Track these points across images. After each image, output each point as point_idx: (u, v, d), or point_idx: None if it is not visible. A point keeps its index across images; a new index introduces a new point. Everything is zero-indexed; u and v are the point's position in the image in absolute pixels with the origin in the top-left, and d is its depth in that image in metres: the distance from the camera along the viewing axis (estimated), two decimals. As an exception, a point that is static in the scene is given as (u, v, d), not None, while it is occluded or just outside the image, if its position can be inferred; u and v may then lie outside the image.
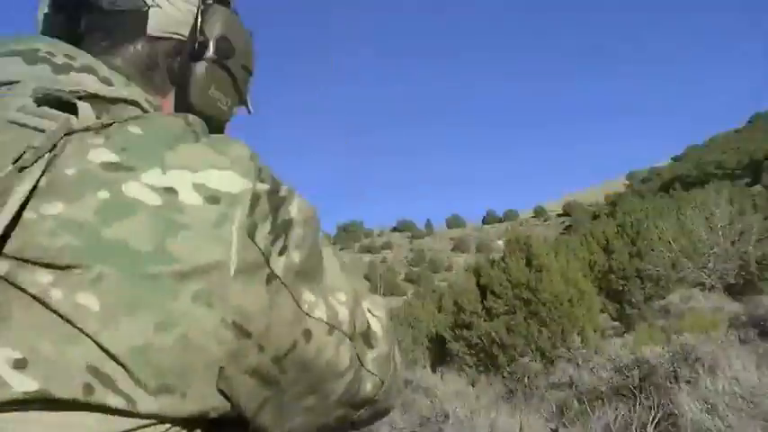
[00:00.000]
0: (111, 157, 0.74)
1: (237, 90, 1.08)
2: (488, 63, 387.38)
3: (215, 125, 1.04)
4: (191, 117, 0.84)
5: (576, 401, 10.07)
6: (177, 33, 1.01)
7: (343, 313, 0.87)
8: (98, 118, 0.79)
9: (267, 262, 0.76)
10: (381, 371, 0.95)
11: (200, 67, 1.02)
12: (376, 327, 0.95)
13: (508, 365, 16.61)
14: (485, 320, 18.41)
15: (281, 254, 0.78)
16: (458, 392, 11.05)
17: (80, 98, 0.82)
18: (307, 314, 0.81)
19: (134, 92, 0.92)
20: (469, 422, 9.07)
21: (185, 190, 0.74)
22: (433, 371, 18.98)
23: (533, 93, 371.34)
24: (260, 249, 0.76)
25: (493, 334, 17.74)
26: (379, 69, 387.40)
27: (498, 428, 9.06)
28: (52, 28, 1.02)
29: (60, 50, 0.89)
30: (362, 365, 0.91)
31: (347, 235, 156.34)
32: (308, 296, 0.82)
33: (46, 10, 1.05)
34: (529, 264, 18.48)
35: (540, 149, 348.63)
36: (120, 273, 0.69)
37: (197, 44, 1.01)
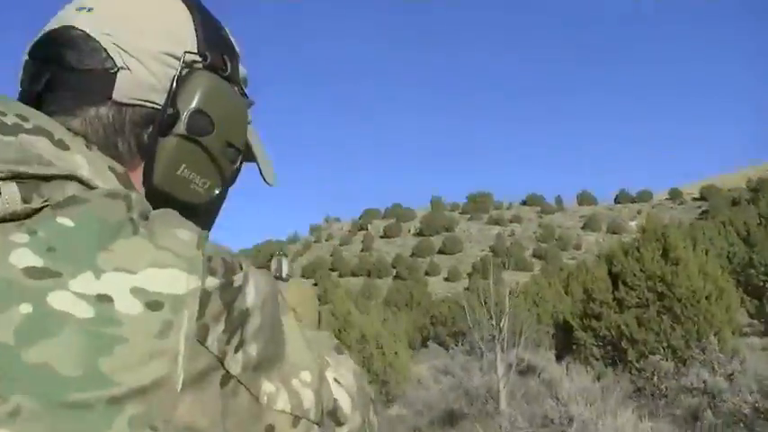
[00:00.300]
0: (36, 260, 0.66)
1: (219, 170, 0.96)
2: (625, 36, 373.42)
3: (190, 209, 0.93)
4: (134, 196, 0.76)
5: (710, 412, 9.67)
6: (149, 101, 0.90)
7: (309, 398, 0.81)
8: (26, 201, 0.71)
9: (222, 364, 0.71)
10: None
11: (167, 143, 0.91)
12: (344, 400, 0.90)
13: (637, 361, 16.12)
14: (615, 312, 17.93)
15: (237, 350, 0.73)
16: (583, 389, 10.80)
17: (3, 178, 0.72)
18: (268, 407, 0.76)
19: (91, 158, 0.83)
20: (594, 426, 8.88)
21: (122, 297, 0.66)
22: (558, 359, 18.73)
23: (675, 67, 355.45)
24: (213, 354, 0.70)
25: (623, 327, 17.26)
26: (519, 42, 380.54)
27: (625, 435, 8.85)
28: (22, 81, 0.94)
29: (12, 109, 0.81)
30: None
31: (476, 206, 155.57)
32: (268, 387, 0.77)
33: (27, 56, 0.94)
34: (665, 255, 17.78)
35: (678, 127, 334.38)
36: (41, 404, 0.61)
37: (166, 116, 0.90)
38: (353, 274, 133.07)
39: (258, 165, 1.08)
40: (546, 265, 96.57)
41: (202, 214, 0.99)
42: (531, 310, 27.82)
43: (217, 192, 0.98)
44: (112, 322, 0.65)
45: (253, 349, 0.75)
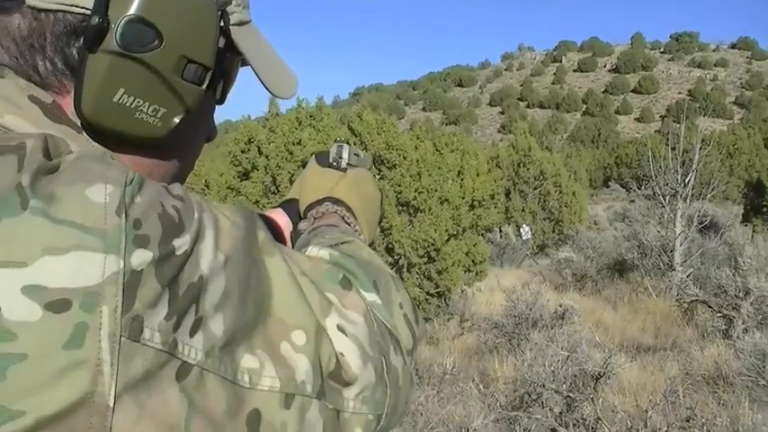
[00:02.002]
0: None
1: (175, 93, 0.74)
2: None
3: (154, 148, 0.78)
4: (29, 145, 0.58)
5: None
6: (75, 5, 0.69)
7: (303, 366, 0.66)
8: None
9: (173, 355, 0.56)
10: (374, 403, 0.74)
11: (96, 62, 0.69)
12: (351, 353, 0.71)
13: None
14: (818, 177, 16.65)
15: (193, 332, 0.58)
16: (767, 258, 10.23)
17: None
18: (251, 389, 0.62)
19: (2, 87, 0.67)
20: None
21: (12, 301, 0.50)
22: (745, 220, 17.82)
23: None
24: (156, 348, 0.55)
25: (824, 194, 16.01)
26: None
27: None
28: None
29: None
30: (342, 415, 0.71)
31: (679, 45, 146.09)
32: (248, 362, 0.62)
33: None
34: None
35: None
36: None
37: (92, 27, 0.68)
38: (542, 106, 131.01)
39: (258, 75, 0.85)
40: (748, 114, 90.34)
41: (172, 152, 0.82)
42: (723, 162, 26.31)
43: (177, 120, 0.75)
44: (1, 337, 0.50)
45: (218, 323, 0.60)
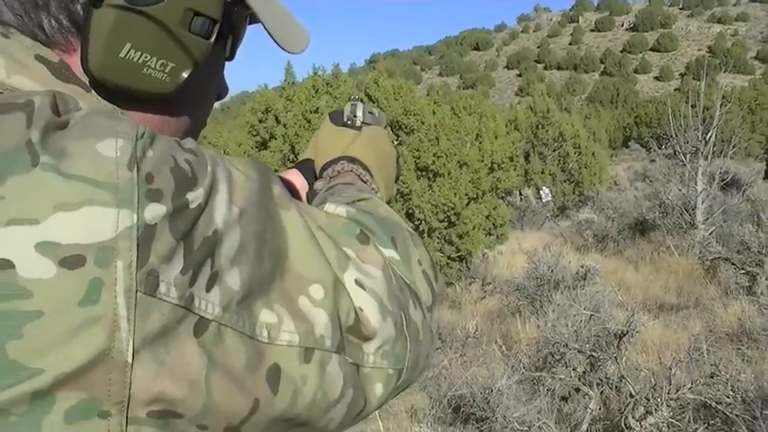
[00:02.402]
0: None
1: (183, 47, 0.73)
2: None
3: (161, 104, 0.76)
4: (37, 102, 0.57)
5: None
6: None
7: (322, 321, 0.66)
8: None
9: (190, 310, 0.56)
10: (394, 357, 0.73)
11: (101, 17, 0.68)
12: (370, 308, 0.71)
13: None
14: (842, 131, 16.42)
15: (210, 287, 0.57)
16: (791, 212, 10.16)
17: None
18: (270, 344, 0.61)
19: (7, 47, 0.66)
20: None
21: (25, 258, 0.50)
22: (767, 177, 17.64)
23: None
24: (172, 303, 0.54)
25: None
26: None
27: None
28: None
29: None
30: (362, 370, 0.71)
31: (698, 1, 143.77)
32: (266, 316, 0.61)
33: None
34: None
35: None
36: None
37: None
38: (559, 68, 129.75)
39: (267, 29, 0.83)
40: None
41: (182, 108, 0.80)
42: (745, 118, 26.01)
43: (185, 74, 0.74)
44: (17, 294, 0.49)
45: (234, 278, 0.59)
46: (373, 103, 11.07)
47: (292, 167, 1.21)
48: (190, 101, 0.81)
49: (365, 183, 1.07)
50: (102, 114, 0.59)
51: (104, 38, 0.68)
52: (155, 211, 0.54)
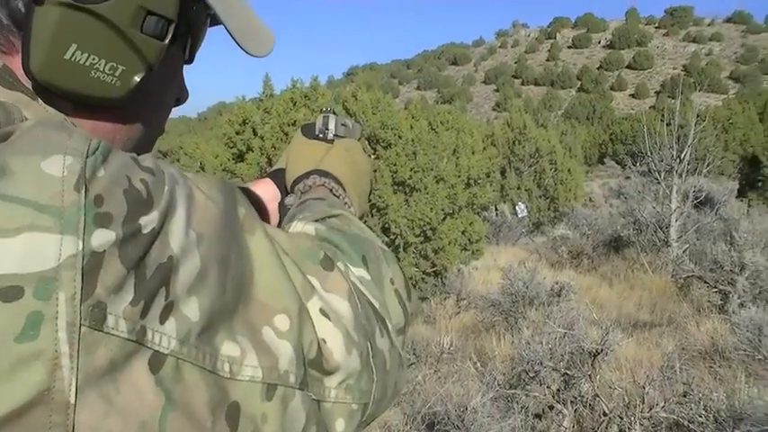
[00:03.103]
0: None
1: (135, 49, 0.67)
2: None
3: (112, 111, 0.71)
4: None
5: None
6: None
7: (286, 354, 0.61)
8: None
9: (142, 344, 0.51)
10: (359, 392, 0.69)
11: (45, 15, 0.63)
12: (334, 340, 0.66)
13: (829, 207, 15.05)
14: (813, 151, 16.68)
15: (164, 318, 0.53)
16: (763, 232, 10.25)
17: None
18: (231, 379, 0.57)
19: None
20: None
21: None
22: (740, 194, 17.83)
23: None
24: (121, 337, 0.50)
25: (819, 168, 16.05)
26: None
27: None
28: None
29: None
30: (324, 405, 0.67)
31: (674, 20, 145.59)
32: (228, 349, 0.57)
33: None
34: None
35: None
36: None
37: None
38: (536, 83, 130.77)
39: (229, 30, 0.77)
40: (743, 89, 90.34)
41: (136, 114, 0.75)
42: (718, 137, 26.29)
43: (137, 78, 0.69)
44: None
45: (192, 307, 0.54)
46: (351, 116, 11.06)
47: (264, 176, 1.18)
48: (144, 106, 0.76)
49: (338, 197, 1.03)
50: (50, 126, 0.54)
51: (48, 38, 0.63)
52: (103, 238, 0.49)
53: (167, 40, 0.70)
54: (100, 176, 0.51)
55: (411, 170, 10.79)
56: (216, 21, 0.80)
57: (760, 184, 17.88)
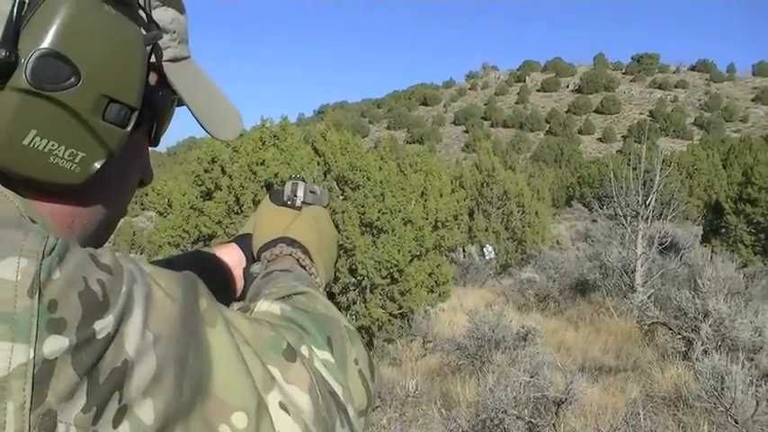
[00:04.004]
0: None
1: (95, 135, 0.66)
2: None
3: (72, 197, 0.70)
4: None
5: None
6: None
7: None
8: None
9: None
10: None
11: (3, 100, 0.62)
12: None
13: (789, 255, 15.33)
14: (774, 199, 17.03)
15: (118, 422, 0.51)
16: (726, 279, 10.39)
17: None
18: None
19: None
20: (731, 323, 8.57)
21: None
22: (704, 240, 18.06)
23: None
24: None
25: (781, 216, 16.37)
26: None
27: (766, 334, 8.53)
28: None
29: None
30: None
31: (640, 67, 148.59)
32: None
33: None
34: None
35: None
36: None
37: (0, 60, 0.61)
38: (505, 125, 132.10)
39: (194, 115, 0.78)
40: (707, 135, 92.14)
41: (96, 198, 0.73)
42: (683, 182, 26.73)
43: (98, 165, 0.68)
44: None
45: (147, 410, 0.53)
46: (320, 156, 11.07)
47: (231, 241, 1.18)
48: (105, 190, 0.74)
49: (304, 267, 1.02)
50: (5, 225, 0.54)
51: (6, 123, 0.62)
52: (56, 345, 0.48)
53: (129, 128, 0.70)
54: (55, 279, 0.50)
55: (379, 212, 10.79)
56: (183, 103, 0.79)
57: (723, 230, 18.14)
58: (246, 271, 1.12)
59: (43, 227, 0.61)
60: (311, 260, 1.04)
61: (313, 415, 0.67)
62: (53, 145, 0.64)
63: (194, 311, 0.62)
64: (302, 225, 1.09)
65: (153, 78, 0.74)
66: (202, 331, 0.61)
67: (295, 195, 1.15)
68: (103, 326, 0.52)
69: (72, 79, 0.63)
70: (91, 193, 0.72)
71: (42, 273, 0.50)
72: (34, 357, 0.47)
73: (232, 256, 1.13)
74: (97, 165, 0.68)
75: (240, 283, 1.13)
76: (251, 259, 1.12)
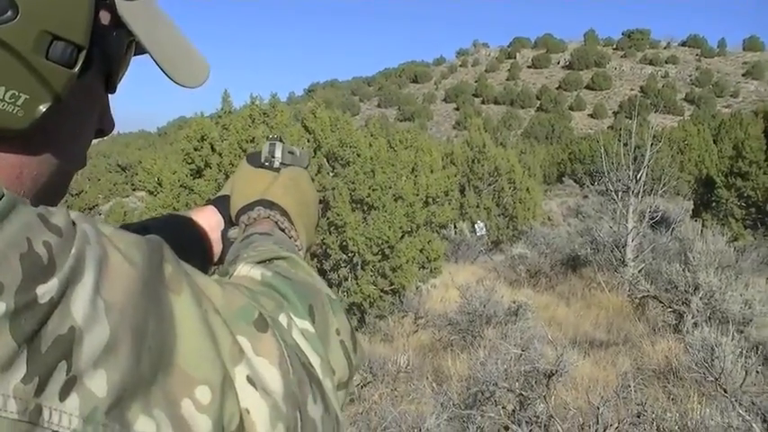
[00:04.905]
0: None
1: (39, 76, 0.61)
2: None
3: (13, 145, 0.64)
4: None
5: None
6: None
7: (205, 429, 0.56)
8: None
9: (36, 424, 0.47)
10: None
11: None
12: (259, 411, 0.61)
13: (780, 227, 15.41)
14: (765, 173, 17.05)
15: (66, 394, 0.48)
16: (716, 252, 10.41)
17: None
18: None
19: None
20: (721, 296, 8.61)
21: None
22: (695, 214, 18.11)
23: None
24: (10, 418, 0.46)
25: (770, 190, 16.45)
26: None
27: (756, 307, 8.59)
28: None
29: None
30: None
31: (631, 42, 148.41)
32: (143, 425, 0.52)
33: None
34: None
35: None
36: None
37: None
38: (496, 102, 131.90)
39: (153, 58, 0.72)
40: (697, 111, 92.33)
41: (45, 146, 0.67)
42: (674, 158, 26.76)
43: (43, 108, 0.62)
44: None
45: (99, 382, 0.50)
46: (310, 134, 11.03)
47: (208, 203, 1.14)
48: (56, 138, 0.68)
49: (283, 230, 0.98)
50: None
51: None
52: None
53: (77, 68, 0.64)
54: None
55: (369, 188, 10.78)
56: (141, 49, 0.73)
57: (714, 204, 18.18)
58: (224, 234, 1.09)
59: None
60: (291, 223, 1.00)
61: (282, 390, 0.63)
62: None
63: (157, 277, 0.58)
64: (280, 187, 1.05)
65: (106, 17, 0.68)
66: (166, 299, 0.57)
67: (273, 156, 1.10)
68: (47, 290, 0.48)
69: (9, 13, 0.58)
70: (40, 141, 0.66)
71: None
72: None
73: (209, 219, 1.09)
74: (42, 108, 0.62)
75: (218, 247, 1.10)
76: (229, 222, 1.09)
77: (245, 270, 0.75)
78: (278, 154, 1.11)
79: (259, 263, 0.77)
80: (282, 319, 0.69)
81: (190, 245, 1.07)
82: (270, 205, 1.01)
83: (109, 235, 0.57)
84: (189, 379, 0.56)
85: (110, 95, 0.77)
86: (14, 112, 0.60)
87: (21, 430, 0.46)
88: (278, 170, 1.10)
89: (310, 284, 0.77)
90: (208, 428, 0.56)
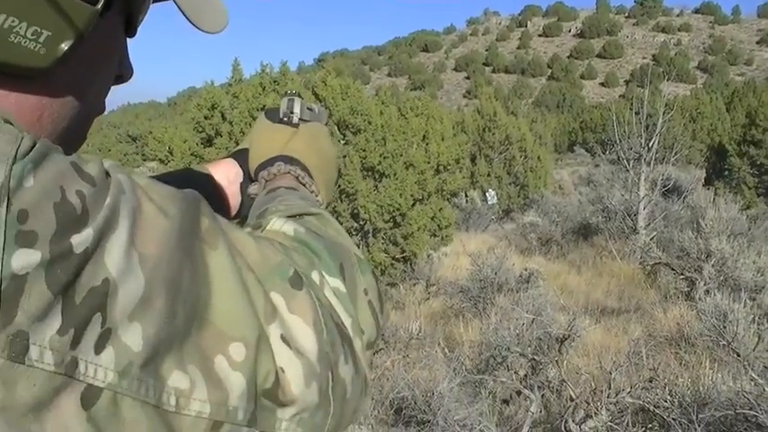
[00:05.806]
0: None
1: (60, 11, 0.57)
2: None
3: (23, 77, 0.59)
4: None
5: None
6: None
7: (238, 388, 0.55)
8: None
9: (73, 377, 0.46)
10: (312, 426, 0.63)
11: None
12: (293, 370, 0.60)
13: (793, 195, 15.31)
14: (778, 140, 16.96)
15: (101, 347, 0.47)
16: (728, 220, 10.37)
17: None
18: (176, 413, 0.52)
19: None
20: (733, 263, 8.59)
21: None
22: (707, 183, 18.03)
23: None
24: (47, 370, 0.45)
25: (784, 158, 16.32)
26: None
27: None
28: None
29: None
30: None
31: (643, 10, 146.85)
32: (177, 380, 0.51)
33: None
34: None
35: None
36: None
37: None
38: (507, 71, 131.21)
39: (177, 3, 0.70)
40: (710, 79, 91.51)
41: (66, 88, 0.65)
42: (686, 126, 26.59)
43: (65, 46, 0.59)
44: None
45: (134, 336, 0.49)
46: (320, 101, 11.00)
47: (227, 156, 1.12)
48: (77, 79, 0.65)
49: (304, 185, 0.97)
50: None
51: None
52: (26, 259, 0.43)
53: (100, 5, 0.60)
54: (27, 187, 0.45)
55: (380, 156, 10.75)
56: None
57: (726, 173, 18.10)
58: (244, 187, 1.07)
59: (13, 126, 0.53)
60: (311, 178, 0.99)
61: (316, 350, 0.62)
62: (13, 21, 0.55)
63: (193, 231, 0.56)
64: (300, 143, 1.03)
65: None
66: (201, 253, 0.56)
67: (291, 112, 1.08)
68: (81, 240, 0.47)
69: None
70: (61, 82, 0.63)
71: (12, 179, 0.44)
72: (1, 272, 0.43)
73: (228, 171, 1.07)
74: (64, 46, 0.59)
75: (237, 199, 1.08)
76: (248, 176, 1.07)
77: (279, 224, 0.74)
78: (296, 109, 1.09)
79: (290, 217, 0.76)
80: (315, 276, 0.68)
81: (207, 198, 1.06)
82: (290, 160, 0.99)
83: (144, 186, 0.55)
84: (223, 335, 0.55)
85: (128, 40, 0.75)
86: (36, 49, 0.57)
87: (56, 383, 0.45)
88: (296, 126, 1.08)
89: (340, 243, 0.75)
90: (241, 388, 0.55)
